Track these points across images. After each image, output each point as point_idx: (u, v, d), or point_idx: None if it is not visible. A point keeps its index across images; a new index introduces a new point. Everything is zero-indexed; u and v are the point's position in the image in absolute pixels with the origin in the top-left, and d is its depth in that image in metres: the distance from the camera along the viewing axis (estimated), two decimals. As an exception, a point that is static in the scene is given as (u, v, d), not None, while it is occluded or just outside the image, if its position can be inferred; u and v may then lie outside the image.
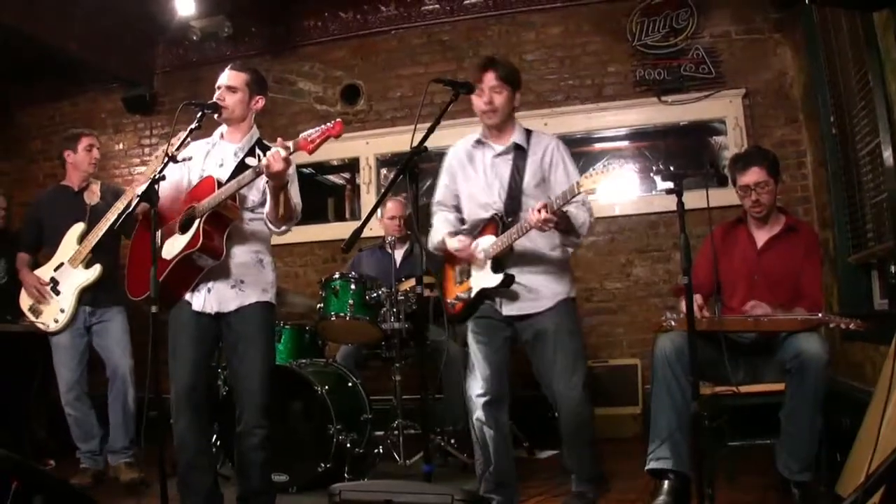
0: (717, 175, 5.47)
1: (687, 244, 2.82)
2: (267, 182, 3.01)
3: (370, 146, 6.34)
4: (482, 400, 3.37)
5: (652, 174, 5.88)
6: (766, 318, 3.21)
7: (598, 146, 6.24)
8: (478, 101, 3.45)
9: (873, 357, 3.83)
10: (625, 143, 6.11)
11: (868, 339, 3.81)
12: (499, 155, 3.45)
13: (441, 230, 3.49)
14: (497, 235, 3.29)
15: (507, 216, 3.31)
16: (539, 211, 3.02)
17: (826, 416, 3.12)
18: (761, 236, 3.55)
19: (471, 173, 3.49)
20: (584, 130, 5.95)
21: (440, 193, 3.61)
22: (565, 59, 6.04)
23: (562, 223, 3.12)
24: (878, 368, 3.28)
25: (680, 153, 5.96)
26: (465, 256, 3.36)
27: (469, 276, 3.42)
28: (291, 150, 2.88)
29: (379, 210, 4.99)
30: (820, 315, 3.18)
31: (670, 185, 2.88)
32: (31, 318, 4.38)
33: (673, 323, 3.32)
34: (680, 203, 2.89)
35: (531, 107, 5.98)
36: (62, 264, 4.36)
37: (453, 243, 3.36)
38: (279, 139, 2.92)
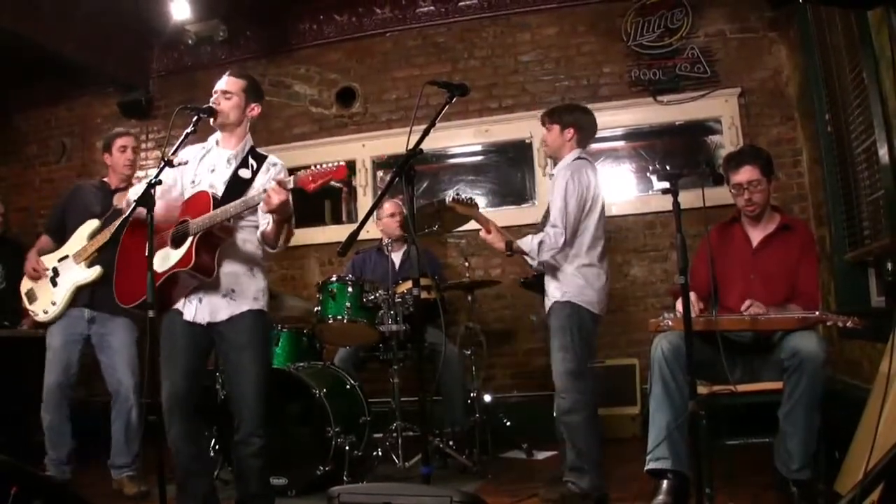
0: (713, 174, 5.48)
1: (683, 244, 2.83)
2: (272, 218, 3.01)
3: (366, 148, 6.34)
4: None
5: (648, 174, 5.88)
6: (763, 317, 3.21)
7: (594, 146, 6.18)
8: None
9: (871, 354, 3.84)
10: (621, 144, 6.10)
11: (865, 337, 3.82)
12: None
13: None
14: None
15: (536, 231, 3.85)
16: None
17: (824, 413, 3.12)
18: (756, 235, 3.56)
19: None
20: (581, 131, 5.93)
21: None
22: (560, 60, 6.05)
23: (499, 247, 3.73)
24: (876, 366, 3.28)
25: (676, 153, 5.96)
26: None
27: None
28: (291, 186, 2.88)
29: (375, 212, 4.99)
30: (817, 313, 3.19)
31: (666, 184, 2.90)
32: (26, 302, 4.34)
33: (670, 323, 3.33)
34: (676, 203, 2.90)
35: (527, 108, 6.00)
36: (66, 257, 4.30)
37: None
38: (280, 176, 2.98)
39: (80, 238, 4.32)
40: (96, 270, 4.26)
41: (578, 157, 3.86)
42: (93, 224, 4.34)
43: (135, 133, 4.66)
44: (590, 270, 3.70)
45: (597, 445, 3.60)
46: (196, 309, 3.15)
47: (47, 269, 4.32)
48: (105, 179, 4.56)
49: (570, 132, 3.89)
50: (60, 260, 4.33)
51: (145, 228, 2.94)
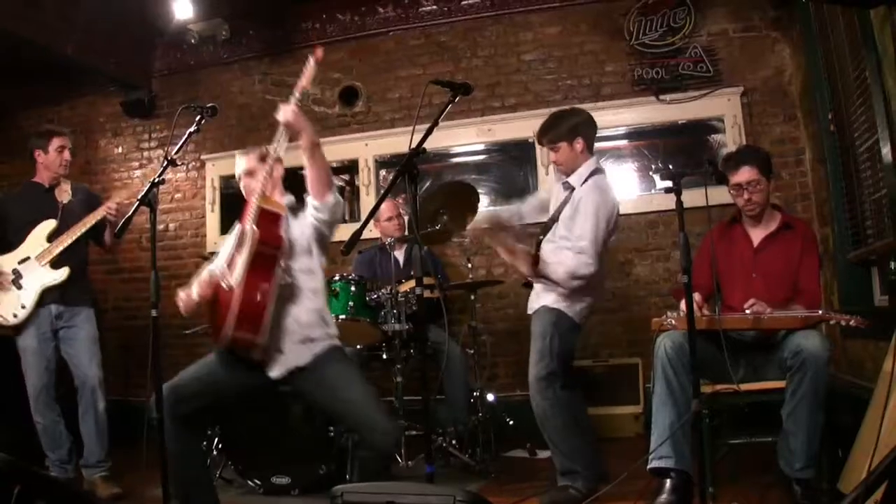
0: (716, 173, 5.48)
1: (686, 243, 2.83)
2: (301, 147, 3.00)
3: (369, 148, 6.35)
4: None
5: (651, 173, 5.89)
6: (767, 316, 3.21)
7: (596, 145, 6.22)
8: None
9: (874, 353, 3.83)
10: (623, 143, 6.10)
11: (868, 336, 3.81)
12: (564, 189, 3.85)
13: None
14: (533, 246, 3.80)
15: (541, 234, 3.83)
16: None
17: (827, 412, 3.12)
18: (757, 235, 3.56)
19: (552, 193, 4.04)
20: (583, 130, 5.93)
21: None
22: (563, 59, 6.05)
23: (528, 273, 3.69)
24: (879, 365, 3.28)
25: (678, 152, 5.96)
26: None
27: None
28: (297, 97, 2.96)
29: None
30: (820, 312, 3.19)
31: (669, 183, 2.90)
32: None
33: (673, 322, 3.33)
34: (679, 202, 2.90)
35: (529, 107, 6.00)
36: (28, 258, 4.24)
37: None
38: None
39: (40, 239, 4.28)
40: (64, 272, 4.24)
41: (597, 170, 3.77)
42: (49, 225, 4.31)
43: (69, 133, 4.59)
44: (588, 284, 3.65)
45: (584, 445, 3.62)
46: (278, 363, 3.08)
47: (8, 274, 4.24)
48: (34, 180, 4.50)
49: (579, 143, 3.75)
50: (21, 262, 4.26)
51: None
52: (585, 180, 3.73)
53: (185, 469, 3.02)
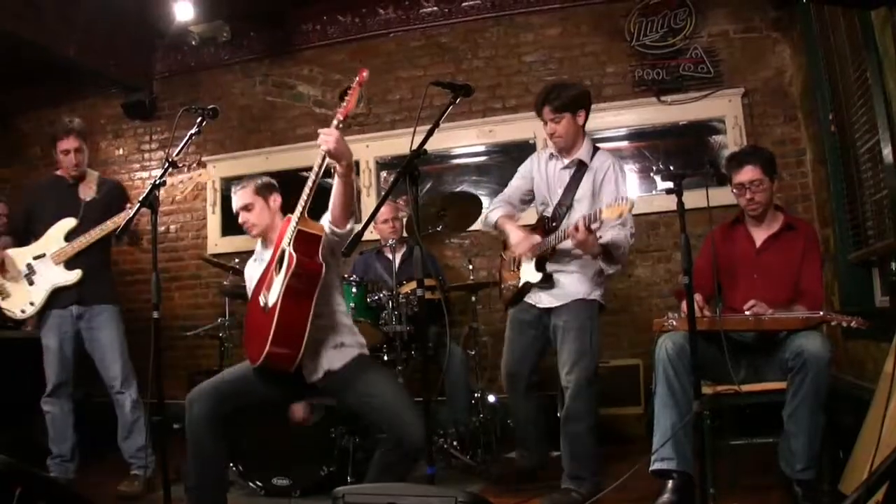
0: (717, 174, 5.48)
1: (687, 244, 2.84)
2: (334, 170, 2.95)
3: (370, 149, 6.35)
4: (504, 374, 3.93)
5: (652, 174, 5.88)
6: (767, 317, 3.21)
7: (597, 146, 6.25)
8: (545, 130, 3.78)
9: (875, 354, 3.83)
10: (624, 144, 6.10)
11: (869, 337, 3.81)
12: (565, 167, 3.77)
13: (498, 211, 3.90)
14: (543, 236, 3.69)
15: (553, 221, 3.72)
16: (576, 229, 3.30)
17: (828, 413, 3.12)
18: (760, 235, 3.55)
19: (539, 180, 3.89)
20: (584, 131, 5.94)
21: (508, 190, 4.01)
22: (564, 60, 6.05)
23: (597, 249, 3.45)
24: (880, 365, 3.28)
25: (679, 153, 5.96)
26: (521, 249, 3.70)
27: (519, 266, 3.87)
28: (340, 121, 2.93)
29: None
30: (821, 313, 3.19)
31: (670, 185, 2.91)
32: None
33: (674, 323, 3.33)
34: (680, 203, 2.90)
35: (530, 108, 5.95)
36: (44, 255, 4.22)
37: (513, 234, 3.75)
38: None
39: (57, 237, 4.24)
40: (76, 274, 4.21)
41: (598, 148, 3.75)
42: (69, 223, 4.26)
43: (79, 128, 4.38)
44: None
45: (597, 453, 3.60)
46: (317, 371, 3.11)
47: (23, 269, 4.23)
48: (59, 174, 4.43)
49: (581, 116, 3.67)
50: (37, 258, 4.23)
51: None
52: (593, 154, 3.71)
53: (209, 469, 3.03)
